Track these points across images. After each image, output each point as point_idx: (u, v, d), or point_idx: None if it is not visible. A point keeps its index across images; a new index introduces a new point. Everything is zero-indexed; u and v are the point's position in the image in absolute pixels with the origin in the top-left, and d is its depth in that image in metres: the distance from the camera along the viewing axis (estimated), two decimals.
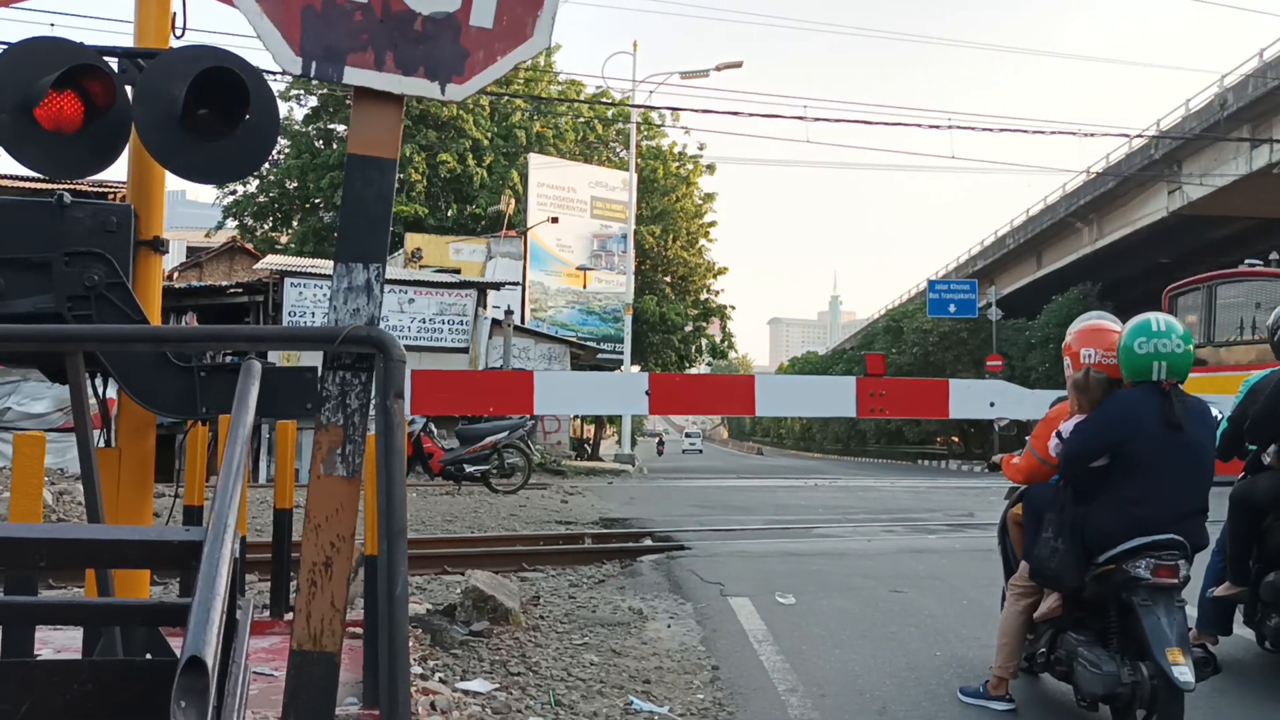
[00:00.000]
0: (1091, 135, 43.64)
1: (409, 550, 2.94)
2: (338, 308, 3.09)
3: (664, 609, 6.68)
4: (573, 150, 37.70)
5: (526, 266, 32.00)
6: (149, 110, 3.35)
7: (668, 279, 40.64)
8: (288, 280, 21.37)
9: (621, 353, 32.09)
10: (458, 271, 28.55)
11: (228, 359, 3.92)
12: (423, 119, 34.57)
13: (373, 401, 3.02)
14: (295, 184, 37.06)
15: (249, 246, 34.05)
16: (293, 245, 35.63)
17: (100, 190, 19.35)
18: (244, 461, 2.05)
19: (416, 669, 4.75)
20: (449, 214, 36.57)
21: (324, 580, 3.01)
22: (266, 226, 39.39)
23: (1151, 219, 32.47)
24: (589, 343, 32.12)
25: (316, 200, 36.81)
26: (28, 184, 17.80)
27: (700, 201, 42.51)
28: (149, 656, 3.42)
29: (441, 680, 4.80)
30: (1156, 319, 4.16)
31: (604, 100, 35.99)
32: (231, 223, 39.00)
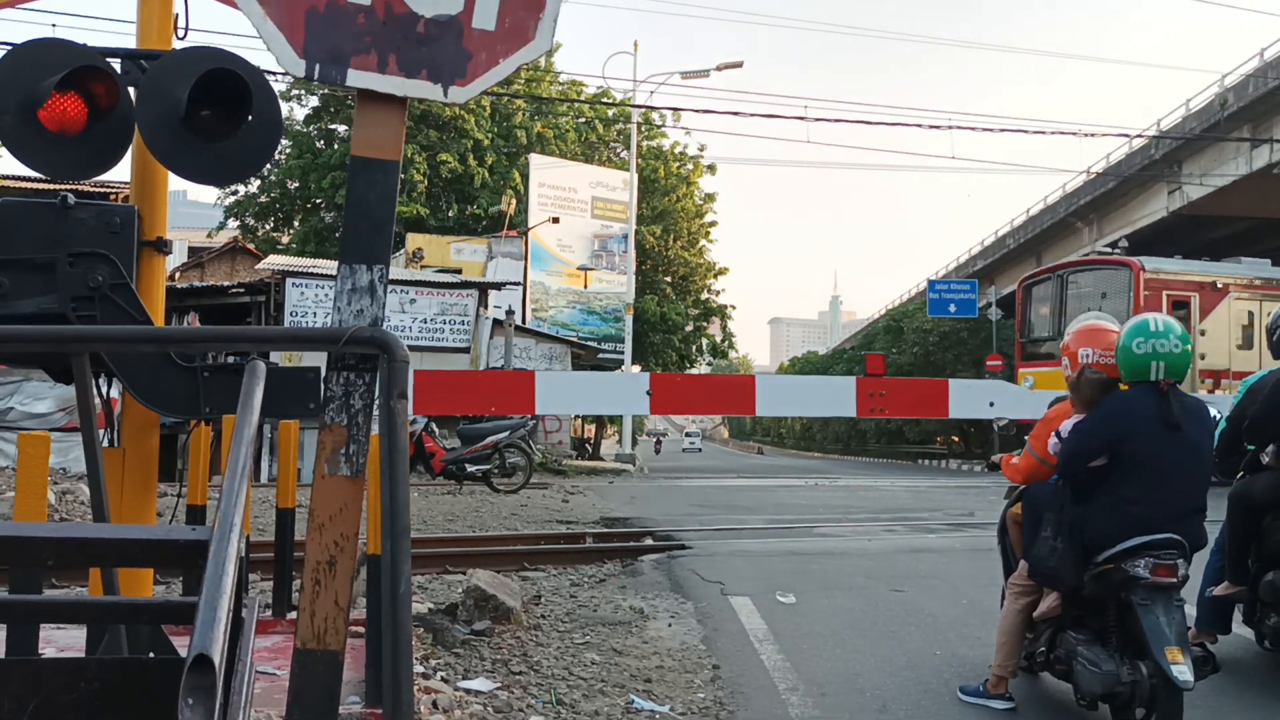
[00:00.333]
0: (1092, 135, 43.45)
1: (411, 549, 2.95)
2: (342, 309, 3.10)
3: (665, 608, 6.70)
4: (574, 150, 37.70)
5: (528, 266, 32.00)
6: (152, 111, 3.36)
7: (668, 279, 40.65)
8: (289, 280, 21.38)
9: (622, 353, 32.10)
10: (459, 272, 28.55)
11: (230, 359, 3.94)
12: (424, 119, 34.58)
13: (376, 401, 3.04)
14: (296, 184, 37.07)
15: (251, 247, 34.06)
16: (294, 245, 35.62)
17: (103, 191, 19.37)
18: (249, 462, 2.06)
19: (418, 668, 4.77)
20: (450, 214, 36.59)
21: (328, 579, 3.02)
22: (268, 227, 39.39)
23: (1151, 219, 32.48)
24: (590, 343, 32.13)
25: (318, 200, 36.82)
26: (31, 185, 17.81)
27: (701, 201, 42.51)
28: (152, 655, 3.45)
29: (443, 679, 4.81)
30: (1155, 319, 4.17)
31: (605, 100, 36.00)
32: (233, 223, 39.01)
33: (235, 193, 38.05)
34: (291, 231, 38.41)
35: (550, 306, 33.31)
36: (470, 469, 16.01)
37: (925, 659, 5.34)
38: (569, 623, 6.25)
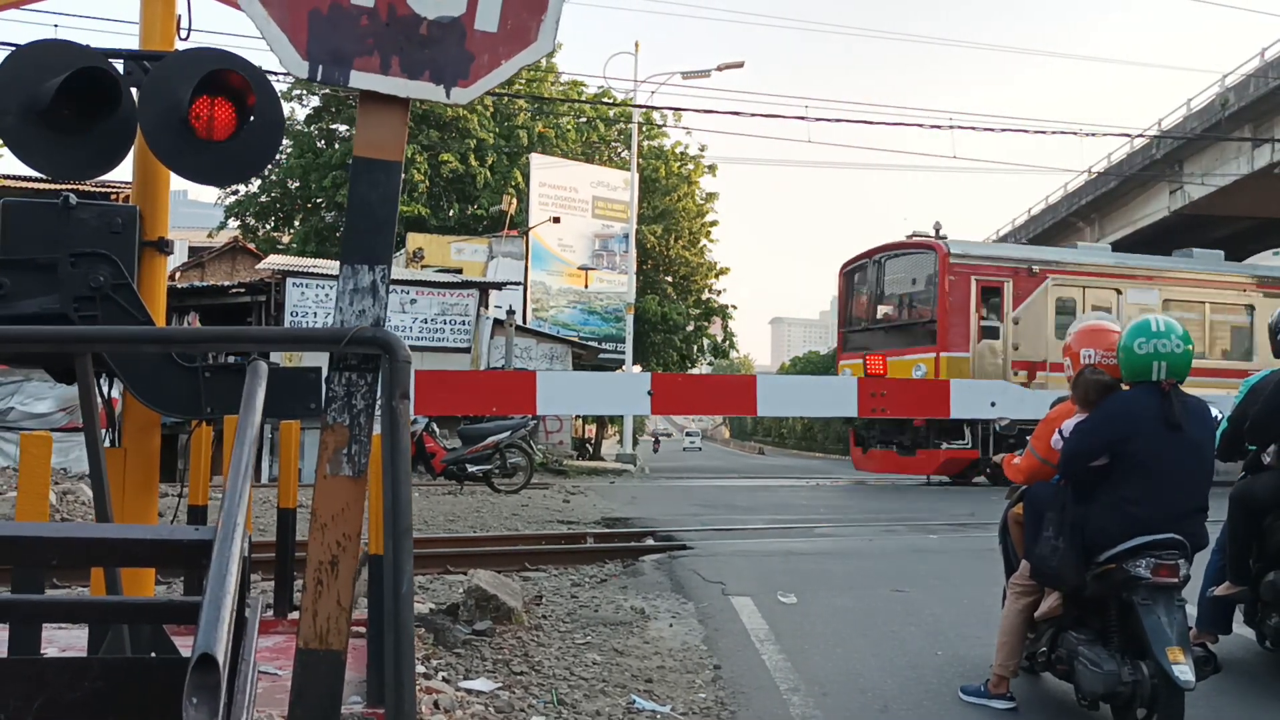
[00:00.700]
0: (1093, 135, 43.68)
1: (412, 550, 2.96)
2: (343, 309, 3.11)
3: (666, 608, 6.70)
4: (575, 150, 37.70)
5: (528, 266, 31.99)
6: (154, 112, 3.37)
7: (669, 279, 40.64)
8: (290, 280, 21.38)
9: (623, 353, 32.08)
10: (459, 271, 28.53)
11: (231, 360, 3.94)
12: (425, 119, 34.59)
13: (378, 402, 3.04)
14: (297, 184, 37.07)
15: (251, 246, 34.06)
16: (294, 245, 35.61)
17: (104, 191, 19.38)
18: (251, 462, 2.07)
19: (420, 668, 4.78)
20: (451, 214, 36.59)
21: (330, 579, 3.03)
22: (268, 226, 39.38)
23: (1153, 219, 32.50)
24: (591, 343, 32.12)
25: (318, 200, 36.81)
26: (33, 185, 17.82)
27: (702, 201, 42.51)
28: (154, 655, 3.45)
29: (445, 679, 4.82)
30: (1156, 320, 4.18)
31: (606, 100, 36.00)
32: (233, 223, 39.01)
33: (236, 192, 38.04)
34: (292, 231, 38.40)
35: (551, 306, 33.31)
36: (471, 469, 16.02)
37: (927, 659, 5.35)
38: (570, 623, 6.26)
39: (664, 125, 39.66)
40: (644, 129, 37.34)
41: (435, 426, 16.70)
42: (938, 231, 19.09)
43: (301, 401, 3.56)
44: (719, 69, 29.19)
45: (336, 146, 36.25)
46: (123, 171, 3.79)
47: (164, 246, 3.84)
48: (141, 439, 3.79)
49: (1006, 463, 4.83)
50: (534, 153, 34.92)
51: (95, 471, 3.31)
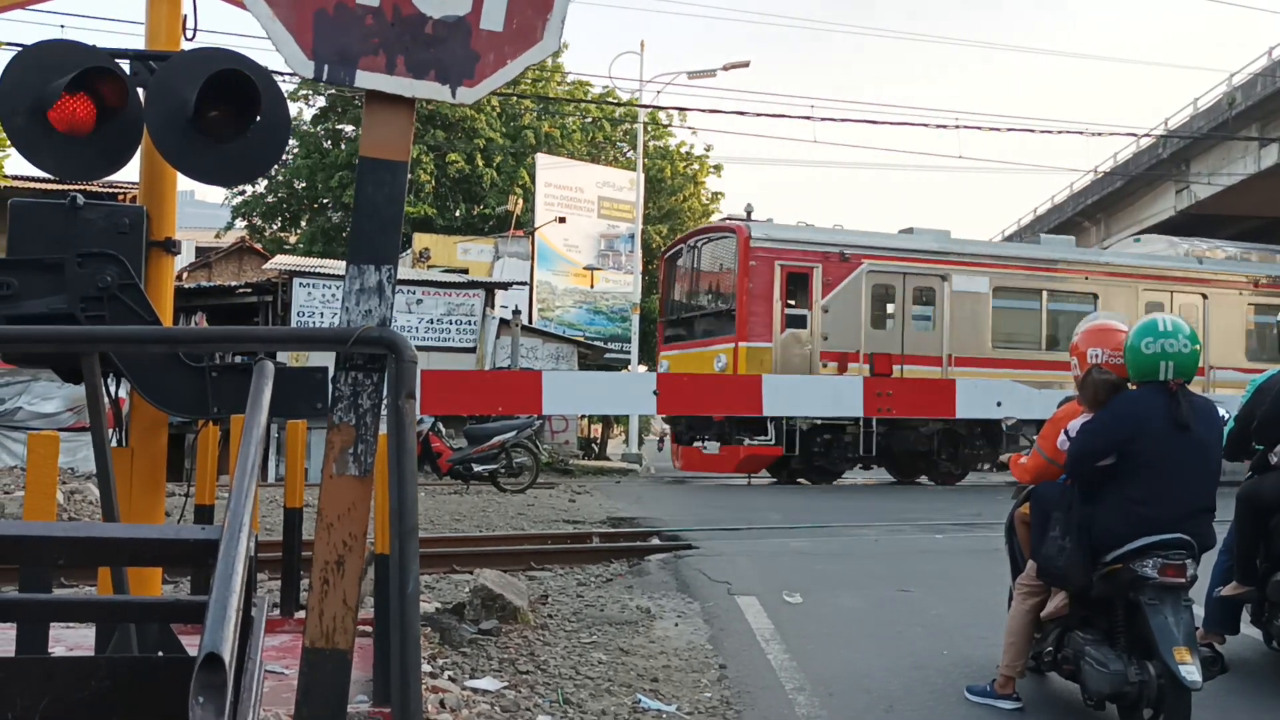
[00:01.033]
0: (1099, 135, 43.60)
1: (418, 549, 2.96)
2: (350, 309, 3.11)
3: (672, 608, 6.70)
4: (580, 151, 37.70)
5: (534, 266, 32.00)
6: (161, 112, 3.38)
7: None
8: (296, 280, 21.41)
9: (629, 352, 32.07)
10: (465, 271, 28.56)
11: (238, 359, 3.95)
12: (431, 120, 34.62)
13: (384, 401, 3.05)
14: (304, 184, 37.11)
15: (258, 247, 34.11)
16: (301, 245, 35.67)
17: (111, 191, 19.41)
18: (257, 461, 2.07)
19: (426, 667, 4.78)
20: (457, 214, 36.61)
21: (336, 578, 3.04)
22: (275, 226, 39.43)
23: (1159, 218, 32.39)
24: (596, 342, 32.11)
25: (325, 200, 36.85)
26: (40, 185, 17.86)
27: (707, 201, 42.49)
28: (161, 654, 3.46)
29: (451, 678, 4.82)
30: (1163, 319, 4.17)
31: (611, 100, 36.00)
32: (240, 223, 39.06)
33: (242, 193, 38.08)
34: (299, 231, 38.46)
35: (557, 306, 33.31)
36: (477, 469, 16.02)
37: (932, 659, 5.34)
38: (576, 622, 6.26)
39: (669, 125, 39.65)
40: (649, 129, 37.34)
41: (441, 426, 16.71)
42: (749, 214, 17.93)
43: (308, 401, 3.57)
44: (725, 69, 29.13)
45: (343, 146, 36.29)
46: (129, 172, 3.81)
47: (171, 246, 3.85)
48: (148, 439, 3.80)
49: (1013, 462, 4.82)
50: (540, 153, 34.93)
51: (102, 471, 3.32)
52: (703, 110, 50.82)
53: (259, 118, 3.40)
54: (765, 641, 5.69)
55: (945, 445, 17.18)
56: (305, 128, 37.39)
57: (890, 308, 17.45)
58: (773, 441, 16.23)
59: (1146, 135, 31.37)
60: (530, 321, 28.75)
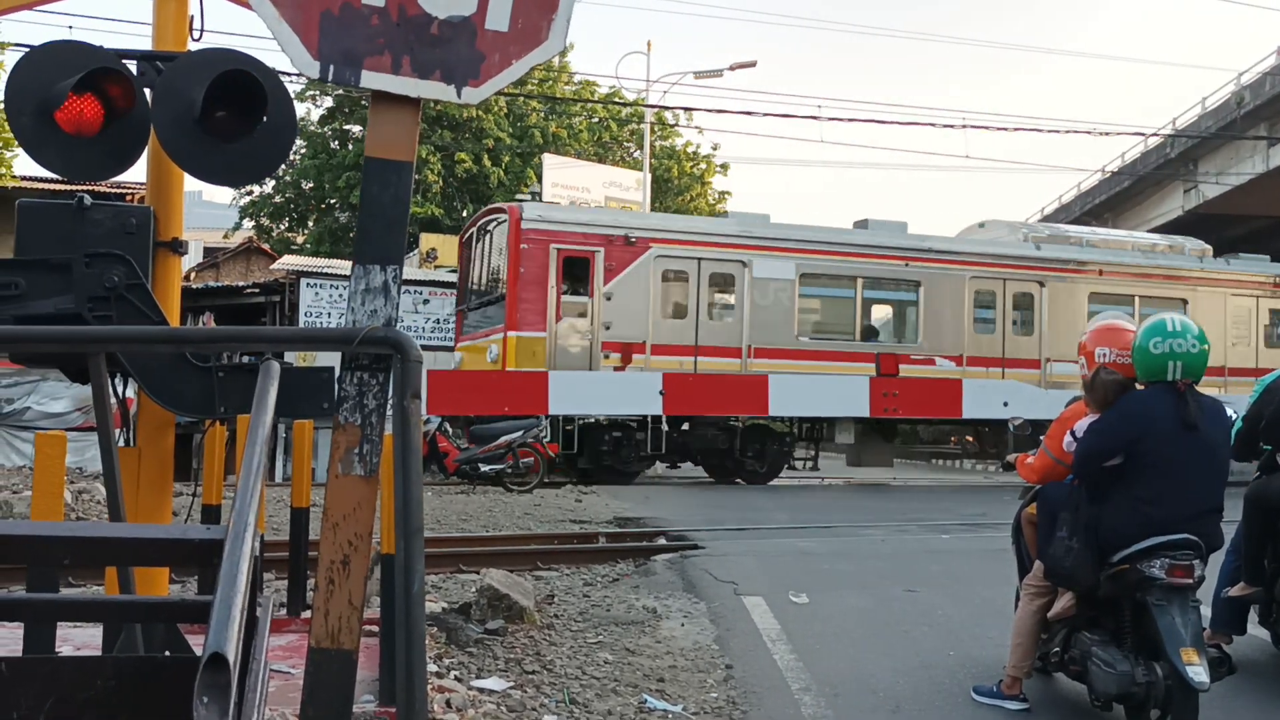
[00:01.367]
0: (1107, 134, 43.50)
1: (424, 549, 2.96)
2: (355, 309, 3.11)
3: (678, 608, 6.69)
4: (587, 150, 37.72)
5: None
6: (168, 112, 3.39)
7: None
8: (304, 280, 21.47)
9: None
10: None
11: (245, 359, 3.96)
12: (439, 120, 34.66)
13: (390, 401, 3.05)
14: (311, 184, 37.17)
15: (265, 247, 34.17)
16: (309, 245, 35.73)
17: (119, 191, 19.47)
18: (263, 461, 2.07)
19: (432, 667, 4.78)
20: (465, 214, 36.64)
21: (342, 578, 3.04)
22: (282, 227, 39.50)
23: (1167, 218, 32.31)
24: None
25: (332, 200, 36.91)
26: (48, 186, 17.92)
27: (714, 201, 42.49)
28: (168, 653, 3.47)
29: (457, 678, 4.83)
30: (1172, 319, 4.15)
31: (618, 100, 36.01)
32: (248, 223, 39.15)
33: (250, 193, 38.16)
34: (306, 232, 38.52)
35: None
36: (484, 469, 16.02)
37: (939, 659, 5.33)
38: (582, 622, 6.26)
39: (676, 125, 39.66)
40: (656, 129, 37.34)
41: (448, 426, 16.72)
42: (535, 196, 16.55)
43: (314, 401, 3.58)
44: (731, 68, 29.12)
45: (350, 147, 36.33)
46: (137, 172, 3.82)
47: (178, 247, 3.86)
48: (155, 438, 3.81)
49: (1020, 462, 4.81)
50: (547, 153, 34.96)
51: (109, 471, 3.33)
52: (709, 110, 50.83)
53: (266, 118, 3.41)
54: (771, 642, 5.69)
55: (751, 443, 16.39)
56: (312, 128, 37.45)
57: (684, 296, 16.14)
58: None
59: (1154, 135, 31.30)
60: None
